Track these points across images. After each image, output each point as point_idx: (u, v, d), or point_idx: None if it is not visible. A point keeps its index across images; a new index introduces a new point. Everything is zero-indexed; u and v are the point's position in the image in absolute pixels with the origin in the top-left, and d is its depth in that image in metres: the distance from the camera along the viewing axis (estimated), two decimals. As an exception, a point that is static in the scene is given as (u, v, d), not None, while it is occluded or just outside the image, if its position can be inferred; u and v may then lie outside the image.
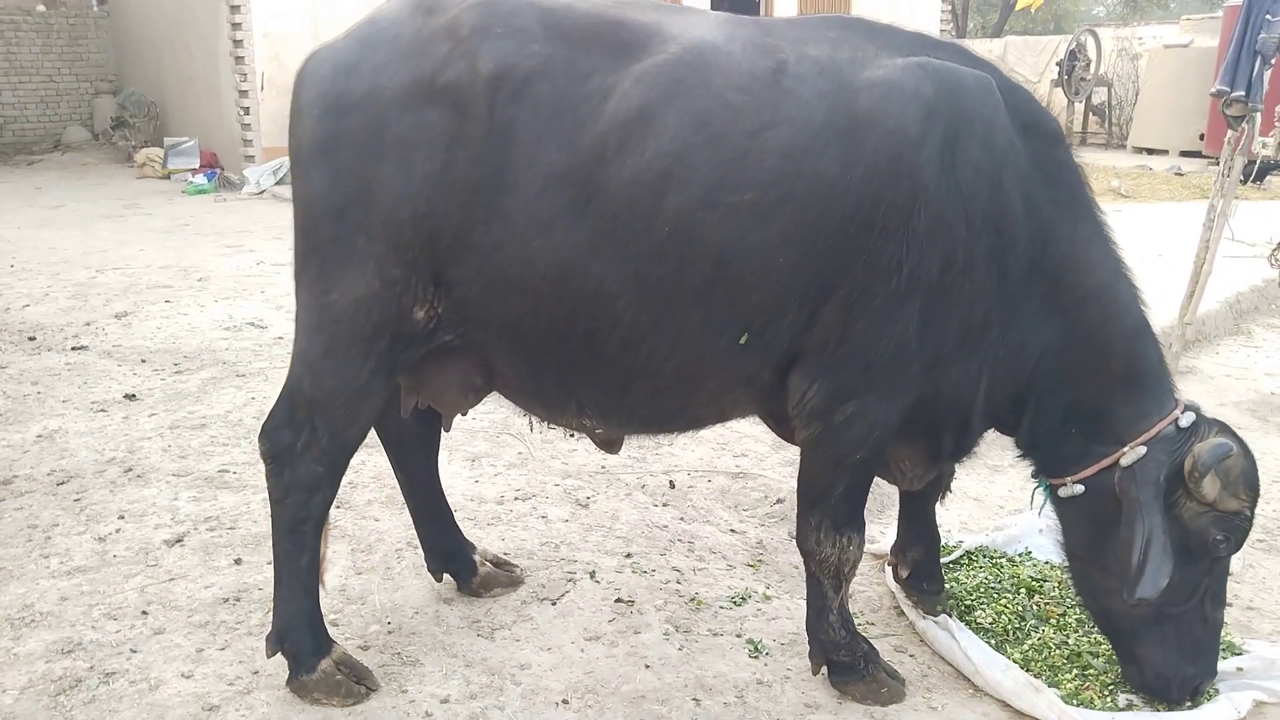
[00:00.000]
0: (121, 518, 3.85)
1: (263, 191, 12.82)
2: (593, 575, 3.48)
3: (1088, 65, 17.60)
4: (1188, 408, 2.72)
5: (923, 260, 2.45)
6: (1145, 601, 2.53)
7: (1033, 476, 2.94)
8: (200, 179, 13.16)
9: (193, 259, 8.79)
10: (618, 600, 3.33)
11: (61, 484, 4.15)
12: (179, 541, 3.67)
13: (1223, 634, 3.15)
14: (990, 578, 3.50)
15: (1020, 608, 3.30)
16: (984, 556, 3.68)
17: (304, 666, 2.74)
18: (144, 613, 3.20)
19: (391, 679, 2.88)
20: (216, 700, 2.78)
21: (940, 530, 3.95)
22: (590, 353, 2.56)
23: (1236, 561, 3.77)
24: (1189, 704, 2.79)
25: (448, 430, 3.21)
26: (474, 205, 2.45)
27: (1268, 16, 5.12)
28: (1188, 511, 2.61)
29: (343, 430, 2.65)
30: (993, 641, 3.13)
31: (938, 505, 3.36)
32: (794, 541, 3.74)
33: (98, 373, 5.62)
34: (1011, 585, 3.44)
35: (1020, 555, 3.68)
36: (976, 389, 2.70)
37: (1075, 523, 2.81)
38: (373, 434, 2.92)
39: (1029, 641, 3.12)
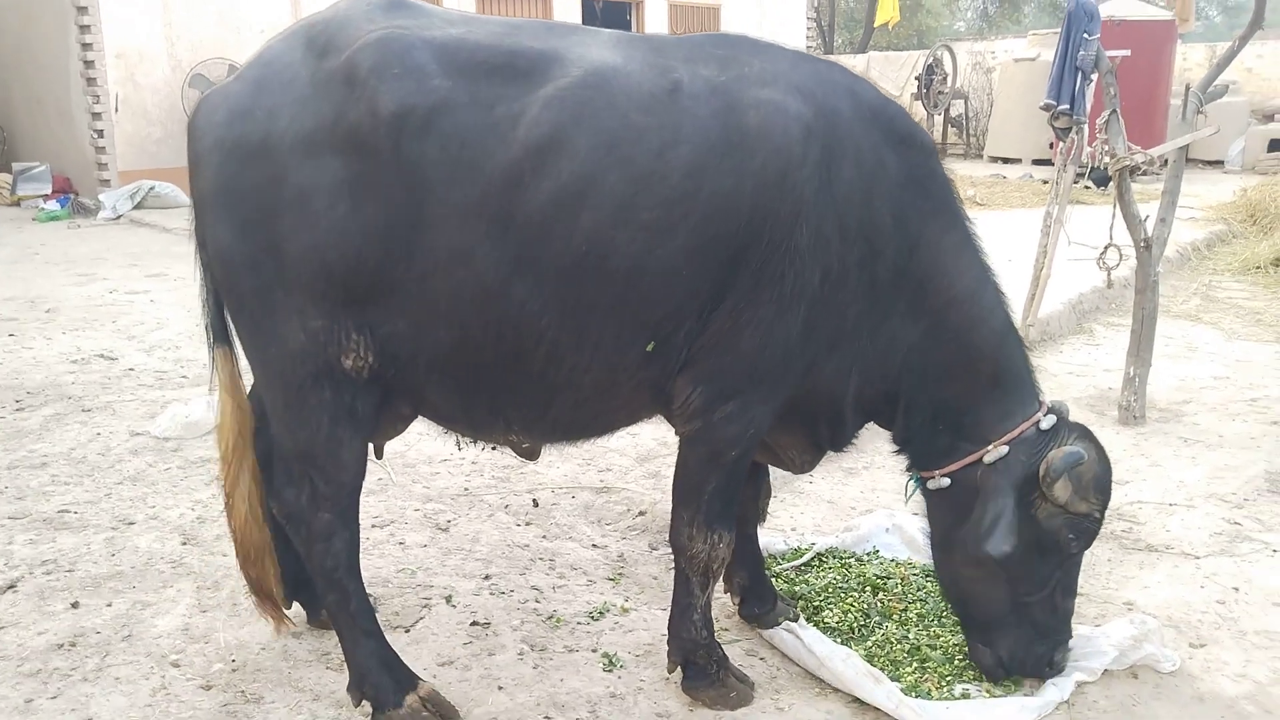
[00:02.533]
0: (-52, 566, 3.65)
1: (119, 216, 12.29)
2: (449, 599, 3.46)
3: (945, 79, 18.40)
4: (1052, 410, 2.90)
5: (804, 271, 2.57)
6: (989, 557, 2.71)
7: (906, 470, 3.09)
8: (53, 205, 12.55)
9: (41, 288, 8.38)
10: (473, 623, 3.32)
11: (-118, 534, 3.90)
12: (12, 588, 3.50)
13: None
14: (839, 578, 3.63)
15: (866, 605, 3.43)
16: (834, 557, 3.80)
17: (388, 704, 2.73)
18: (-32, 666, 3.04)
19: (233, 717, 2.81)
20: (44, 753, 2.66)
21: (794, 533, 4.10)
22: (517, 372, 2.61)
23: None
24: (1039, 681, 2.96)
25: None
26: (390, 246, 2.45)
27: (1085, 35, 5.46)
28: (1043, 511, 2.79)
29: (334, 476, 2.66)
30: (839, 640, 3.23)
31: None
32: (654, 553, 3.84)
33: (-72, 414, 5.30)
34: (858, 584, 3.57)
35: (868, 554, 3.82)
36: (846, 386, 2.84)
37: (941, 514, 2.98)
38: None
39: (873, 638, 3.24)
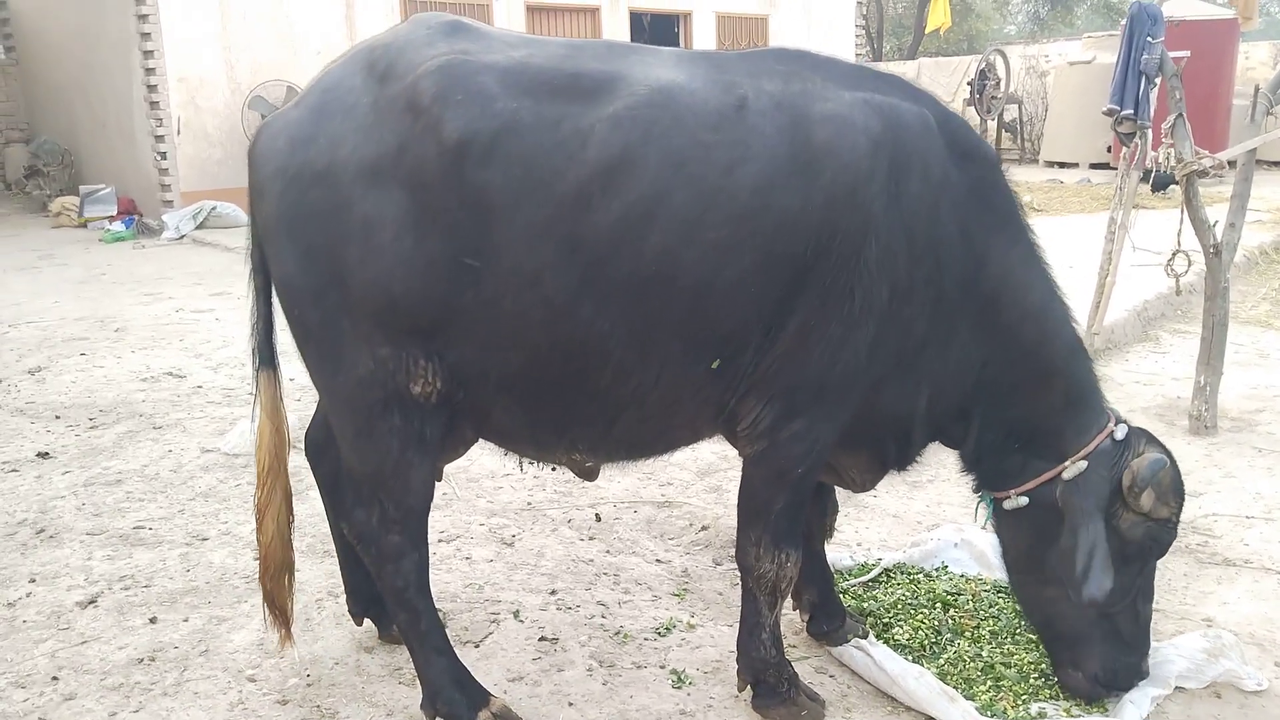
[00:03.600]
0: (33, 581, 3.76)
1: (182, 236, 12.60)
2: (517, 615, 3.48)
3: (998, 84, 18.18)
4: (1117, 420, 2.88)
5: (873, 287, 2.56)
6: (1094, 603, 2.68)
7: (974, 491, 3.05)
8: (118, 226, 12.89)
9: (109, 309, 8.61)
10: (541, 639, 3.33)
11: (-32, 550, 4.03)
12: (93, 603, 3.59)
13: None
14: (908, 594, 3.58)
15: (936, 622, 3.38)
16: (901, 573, 3.76)
17: None
18: (54, 678, 3.12)
19: (311, 733, 2.86)
20: (129, 767, 2.72)
21: (860, 549, 4.06)
22: (582, 391, 2.62)
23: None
24: (1117, 695, 2.92)
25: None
26: (457, 275, 2.47)
27: (1149, 39, 5.36)
28: (1125, 522, 2.76)
29: (403, 500, 2.70)
30: (909, 657, 3.19)
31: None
32: (718, 569, 3.83)
33: (9, 431, 5.47)
34: (928, 600, 3.52)
35: (937, 570, 3.77)
36: (915, 404, 2.81)
37: (1017, 534, 2.94)
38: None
39: (945, 655, 3.20)
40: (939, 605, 3.48)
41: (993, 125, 18.95)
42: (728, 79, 2.59)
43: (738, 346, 2.58)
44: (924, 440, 2.96)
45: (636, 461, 3.06)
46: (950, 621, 3.38)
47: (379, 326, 2.53)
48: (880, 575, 3.75)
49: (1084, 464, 2.76)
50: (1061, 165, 17.23)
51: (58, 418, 5.69)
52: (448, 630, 3.35)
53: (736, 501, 2.85)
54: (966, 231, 2.69)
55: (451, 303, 2.50)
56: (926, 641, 3.28)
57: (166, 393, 6.16)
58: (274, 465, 2.89)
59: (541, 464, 3.04)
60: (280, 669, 3.18)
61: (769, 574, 2.81)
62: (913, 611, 3.45)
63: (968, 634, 3.30)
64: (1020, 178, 15.36)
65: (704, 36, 19.51)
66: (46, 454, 5.09)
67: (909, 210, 2.58)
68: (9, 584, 3.73)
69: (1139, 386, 6.30)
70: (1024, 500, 2.85)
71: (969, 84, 18.67)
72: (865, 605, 3.52)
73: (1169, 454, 2.77)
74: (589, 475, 3.09)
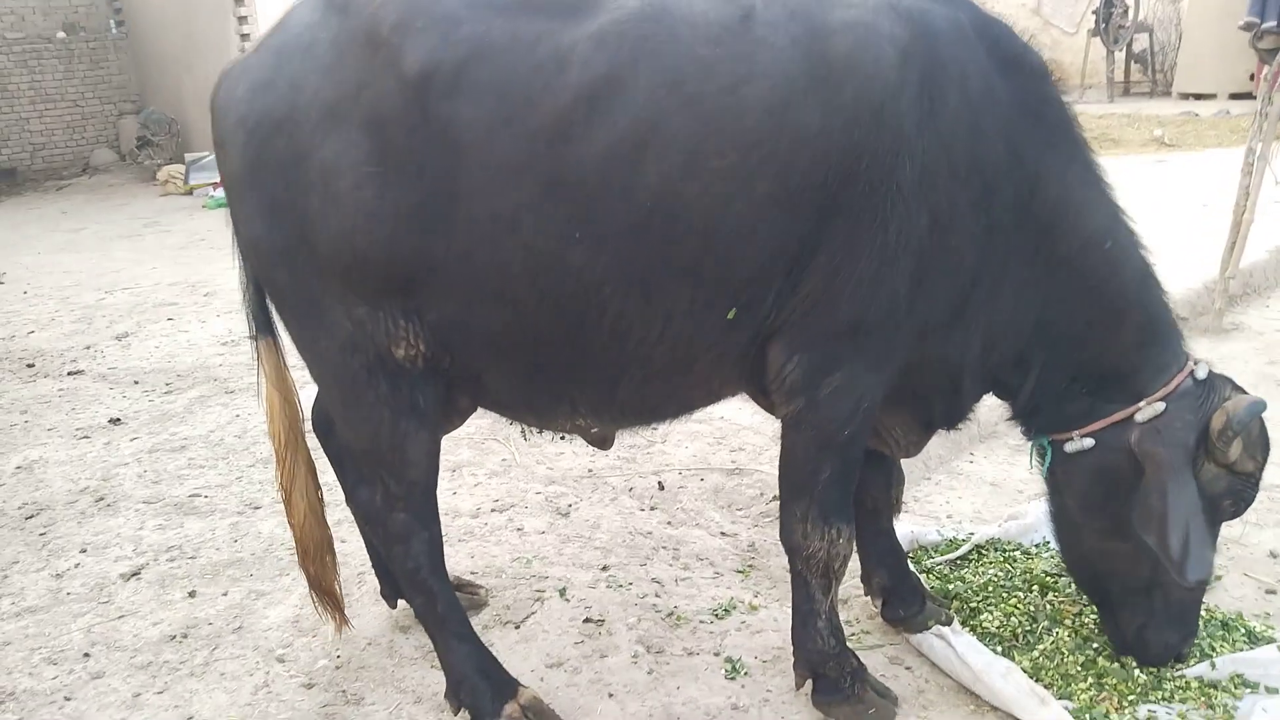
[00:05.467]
0: (83, 551, 3.70)
1: (282, 201, 12.74)
2: (563, 593, 3.23)
3: (1125, 11, 16.78)
4: (1197, 360, 2.51)
5: (910, 216, 2.21)
6: (1200, 582, 2.36)
7: (1027, 436, 2.69)
8: (220, 193, 13.12)
9: (203, 274, 8.69)
10: (586, 620, 3.07)
11: (30, 518, 4.01)
12: (136, 575, 3.50)
13: (1262, 626, 2.85)
14: (1000, 574, 3.18)
15: (1032, 608, 2.98)
16: (995, 550, 3.35)
17: (485, 713, 2.56)
18: (86, 655, 3.03)
19: (330, 719, 2.67)
20: (144, 752, 2.59)
21: (950, 521, 3.66)
22: (579, 349, 2.35)
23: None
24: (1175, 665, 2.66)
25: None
26: (428, 225, 2.21)
27: (1297, -65, 4.66)
28: (1206, 473, 2.39)
29: (403, 474, 2.49)
30: (1000, 648, 2.82)
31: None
32: (787, 542, 3.49)
33: (88, 397, 5.50)
34: (1024, 582, 3.12)
35: (1037, 546, 3.35)
36: (966, 351, 2.47)
37: (1078, 481, 2.58)
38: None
39: (1040, 646, 2.81)
40: (1036, 588, 3.07)
41: (1120, 57, 17.58)
42: None
43: (756, 292, 2.24)
44: (976, 393, 2.61)
45: (649, 425, 2.75)
46: (1049, 607, 2.97)
47: (350, 285, 2.28)
48: (971, 552, 3.35)
49: (1161, 405, 2.38)
50: (1197, 97, 15.84)
51: (136, 383, 5.71)
52: (489, 608, 3.16)
53: (778, 473, 2.51)
54: (1015, 149, 2.30)
55: (424, 256, 2.23)
56: (1020, 630, 2.90)
57: (244, 357, 6.11)
58: (290, 439, 2.69)
59: (546, 432, 2.74)
60: (311, 649, 3.01)
61: (819, 553, 2.48)
62: (1005, 595, 3.06)
63: (1068, 622, 2.89)
64: (1151, 111, 14.28)
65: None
66: (119, 420, 5.09)
67: (947, 127, 2.20)
68: (60, 554, 3.68)
69: (1281, 336, 5.61)
70: (1089, 443, 2.48)
71: (1094, 13, 17.32)
72: (951, 587, 3.14)
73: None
74: (601, 443, 2.80)
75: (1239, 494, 2.38)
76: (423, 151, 2.18)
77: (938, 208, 2.24)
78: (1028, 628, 2.90)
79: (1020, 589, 3.08)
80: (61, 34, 15.74)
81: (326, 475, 2.86)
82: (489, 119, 2.16)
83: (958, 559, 3.32)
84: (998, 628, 2.91)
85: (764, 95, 2.14)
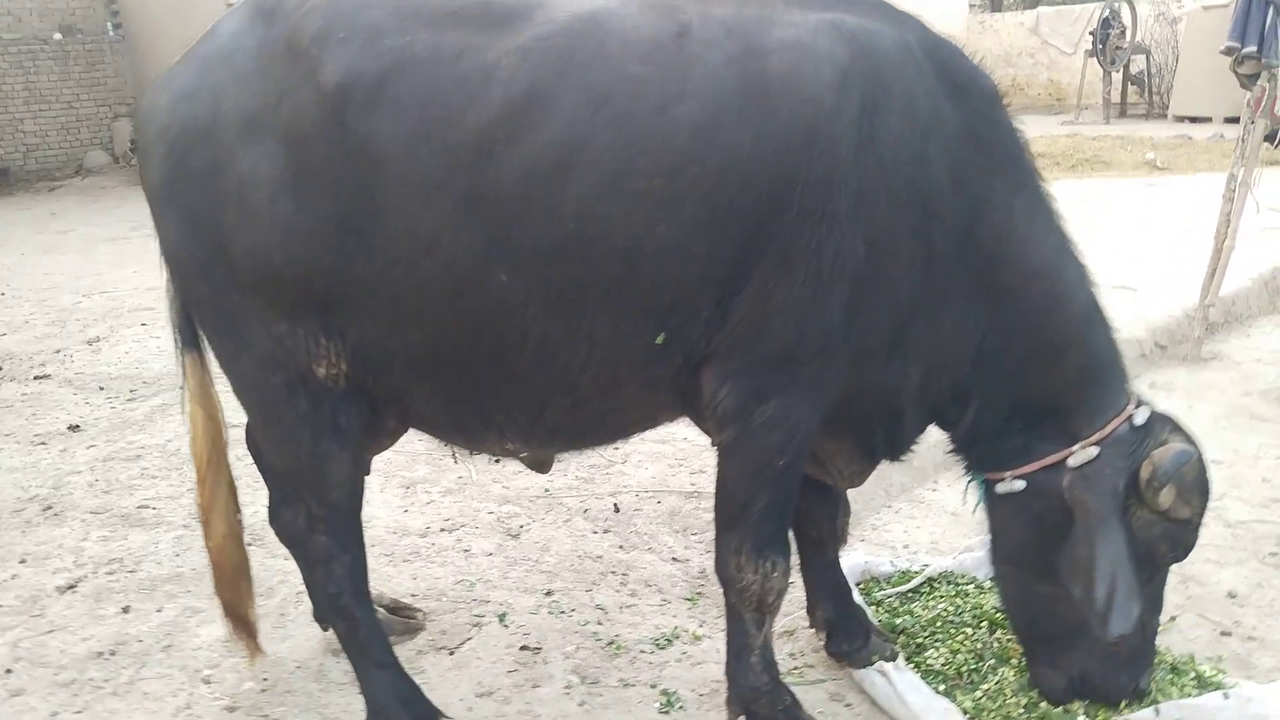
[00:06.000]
0: (22, 562, 3.62)
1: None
2: (502, 619, 3.15)
3: (1123, 33, 16.79)
4: (1139, 402, 2.42)
5: (845, 242, 2.14)
6: (1121, 637, 2.26)
7: (966, 471, 2.61)
8: (211, 197, 13.07)
9: (183, 278, 8.63)
10: (523, 648, 3.00)
11: (-26, 526, 3.94)
12: (72, 588, 3.43)
13: (1213, 670, 2.77)
14: (950, 609, 3.10)
15: (980, 645, 2.90)
16: (948, 583, 3.27)
17: None
18: (8, 671, 2.96)
19: (251, 747, 2.60)
20: (54, 777, 2.52)
21: (906, 551, 3.59)
22: (503, 373, 2.28)
23: (1243, 582, 3.34)
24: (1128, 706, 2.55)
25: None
26: (345, 238, 2.16)
27: (1277, -38, 4.61)
28: (1139, 519, 2.33)
29: (324, 495, 2.44)
30: (943, 686, 2.74)
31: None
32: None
33: (50, 403, 5.43)
34: (974, 618, 3.04)
35: (991, 581, 3.27)
36: (906, 380, 2.40)
37: (1010, 523, 2.51)
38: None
39: (984, 686, 2.73)
40: (986, 624, 2.99)
41: (1118, 78, 17.58)
42: (669, 3, 2.17)
43: (684, 317, 2.18)
44: (918, 424, 2.53)
45: (580, 451, 2.69)
46: (997, 645, 2.89)
47: (269, 302, 2.23)
48: (923, 585, 3.27)
49: (1094, 450, 2.30)
50: (1193, 120, 15.84)
51: (101, 389, 5.64)
52: (425, 633, 3.09)
53: (714, 504, 2.44)
54: (960, 177, 2.24)
55: (342, 274, 2.17)
56: (966, 668, 2.82)
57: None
58: (213, 457, 2.64)
59: (476, 455, 2.67)
60: (238, 670, 2.93)
61: (753, 587, 2.40)
62: (954, 631, 2.98)
63: (1015, 661, 2.81)
64: (1146, 133, 14.24)
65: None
66: (78, 427, 5.02)
67: (887, 152, 2.13)
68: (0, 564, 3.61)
69: (1260, 366, 5.55)
70: (1020, 485, 2.40)
71: (1091, 34, 17.33)
72: (899, 621, 3.06)
73: (1196, 445, 2.30)
74: (539, 467, 2.73)
75: (1175, 539, 2.30)
76: (341, 166, 2.12)
77: (875, 235, 2.17)
78: (973, 666, 2.83)
79: (969, 625, 3.00)
80: (58, 35, 15.75)
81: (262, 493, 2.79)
82: (409, 134, 2.10)
83: (909, 592, 3.24)
84: (943, 665, 2.83)
85: (694, 115, 2.08)
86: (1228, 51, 5.01)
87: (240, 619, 2.74)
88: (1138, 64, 17.95)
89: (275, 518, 2.57)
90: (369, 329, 2.25)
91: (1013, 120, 2.39)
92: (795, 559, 2.71)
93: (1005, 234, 2.32)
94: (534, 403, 2.34)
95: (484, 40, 2.12)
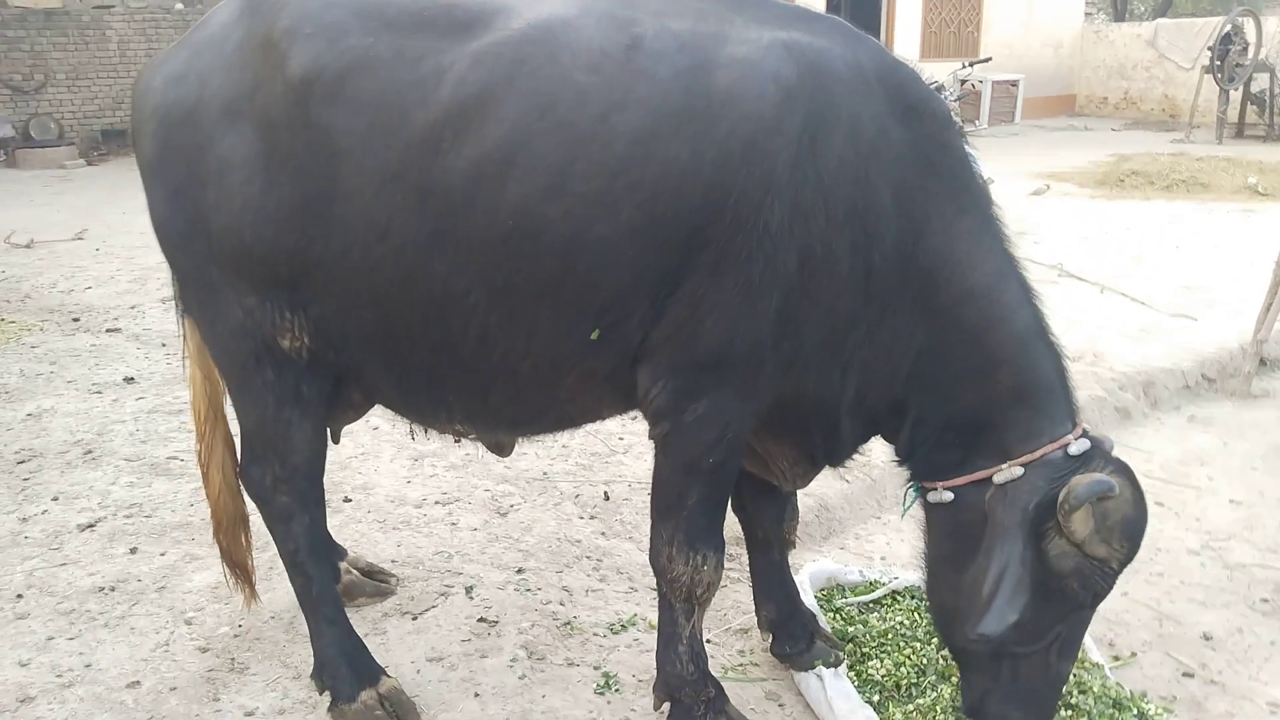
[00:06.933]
0: (54, 500, 3.93)
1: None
2: (469, 591, 3.30)
3: (1245, 49, 15.99)
4: (1089, 437, 2.38)
5: (777, 254, 2.20)
6: (985, 638, 2.23)
7: (906, 482, 2.63)
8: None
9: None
10: (481, 620, 3.13)
11: (21, 463, 4.28)
12: (91, 527, 3.70)
13: (1159, 709, 2.74)
14: (906, 622, 3.12)
15: (924, 660, 2.92)
16: (911, 597, 3.28)
17: (343, 696, 2.67)
18: (19, 596, 3.23)
19: (211, 684, 2.80)
20: (35, 692, 2.77)
21: (881, 563, 3.61)
22: (448, 357, 2.42)
23: (1224, 625, 3.27)
24: None
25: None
26: (307, 222, 2.32)
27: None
28: (1054, 548, 2.28)
29: (287, 459, 2.62)
30: (877, 697, 2.78)
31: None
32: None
33: (114, 355, 5.82)
34: (925, 633, 3.05)
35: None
36: (841, 391, 2.45)
37: (937, 533, 2.52)
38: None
39: (918, 700, 2.75)
40: (935, 641, 3.00)
41: (1236, 97, 16.76)
42: (628, 16, 2.24)
43: (619, 315, 2.27)
44: (857, 433, 2.56)
45: (528, 437, 2.80)
46: (942, 662, 2.91)
47: (241, 275, 2.40)
48: (886, 597, 3.29)
49: (1019, 471, 2.29)
50: (1316, 145, 15.04)
51: (163, 345, 6.01)
52: (394, 597, 3.25)
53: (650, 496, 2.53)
54: (903, 197, 2.26)
55: (304, 254, 2.33)
56: (905, 681, 2.84)
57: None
58: (210, 414, 2.83)
59: (430, 433, 2.81)
60: (218, 615, 3.15)
61: (683, 578, 2.48)
62: (902, 644, 3.00)
63: (955, 679, 2.82)
64: (1258, 157, 13.59)
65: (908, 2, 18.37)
66: (132, 379, 5.37)
67: (828, 170, 2.17)
68: (34, 500, 3.92)
69: (1314, 409, 5.31)
70: (948, 496, 2.41)
71: (1209, 49, 16.56)
72: (851, 629, 3.09)
73: (1137, 494, 2.24)
74: (499, 450, 2.85)
75: (1088, 578, 2.24)
76: (304, 154, 2.28)
77: (810, 249, 2.22)
78: (913, 680, 2.85)
79: (920, 639, 3.02)
80: (179, 5, 16.55)
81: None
82: (366, 127, 2.24)
83: (870, 602, 3.27)
84: (882, 676, 2.86)
85: (634, 124, 2.16)
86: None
87: (238, 565, 2.93)
88: (1259, 83, 17.08)
89: (244, 475, 2.75)
90: (328, 307, 2.41)
91: (965, 144, 2.40)
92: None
93: (945, 255, 2.34)
94: (478, 386, 2.46)
95: (444, 45, 2.24)
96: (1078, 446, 2.33)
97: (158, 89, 2.47)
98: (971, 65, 11.98)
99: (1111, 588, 2.28)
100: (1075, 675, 2.81)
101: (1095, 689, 2.80)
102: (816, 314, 2.29)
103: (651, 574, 3.40)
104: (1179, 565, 3.68)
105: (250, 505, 2.84)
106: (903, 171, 2.29)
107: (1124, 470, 2.33)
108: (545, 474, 4.22)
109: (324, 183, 2.28)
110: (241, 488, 2.81)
